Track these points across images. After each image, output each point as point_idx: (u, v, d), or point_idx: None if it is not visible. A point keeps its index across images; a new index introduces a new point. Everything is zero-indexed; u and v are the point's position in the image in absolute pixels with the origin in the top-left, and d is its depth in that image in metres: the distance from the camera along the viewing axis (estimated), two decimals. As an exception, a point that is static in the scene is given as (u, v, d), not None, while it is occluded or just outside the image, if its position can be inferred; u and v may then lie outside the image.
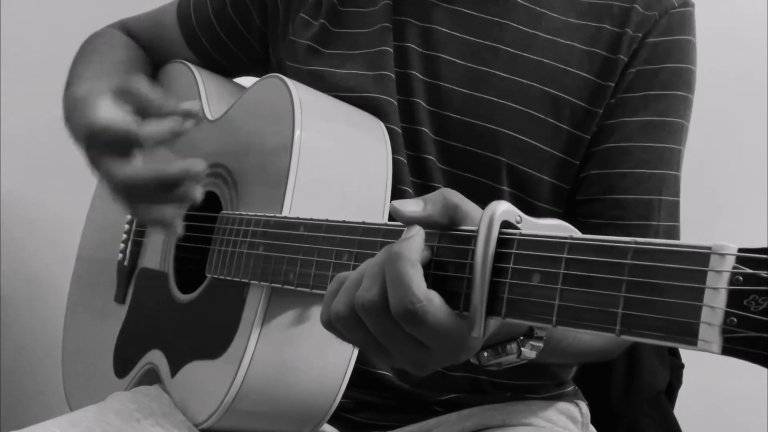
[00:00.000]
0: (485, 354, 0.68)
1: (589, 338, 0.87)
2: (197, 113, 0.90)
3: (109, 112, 0.90)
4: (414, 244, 0.62)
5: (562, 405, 1.06)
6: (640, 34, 0.95)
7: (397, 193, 0.94)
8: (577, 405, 1.08)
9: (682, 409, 1.21)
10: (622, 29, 0.96)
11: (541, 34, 0.97)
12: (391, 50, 1.00)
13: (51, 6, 1.67)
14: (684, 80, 0.98)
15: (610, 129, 0.96)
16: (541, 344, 0.69)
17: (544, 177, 0.96)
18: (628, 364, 1.17)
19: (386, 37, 1.00)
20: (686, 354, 1.23)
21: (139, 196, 0.91)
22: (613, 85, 0.95)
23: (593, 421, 1.09)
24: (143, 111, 0.91)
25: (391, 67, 0.99)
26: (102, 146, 0.92)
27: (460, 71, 0.97)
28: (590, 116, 0.96)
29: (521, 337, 0.68)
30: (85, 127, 0.93)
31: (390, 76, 0.99)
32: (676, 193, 0.99)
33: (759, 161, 1.69)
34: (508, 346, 0.68)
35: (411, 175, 0.97)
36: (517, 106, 0.95)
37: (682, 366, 1.23)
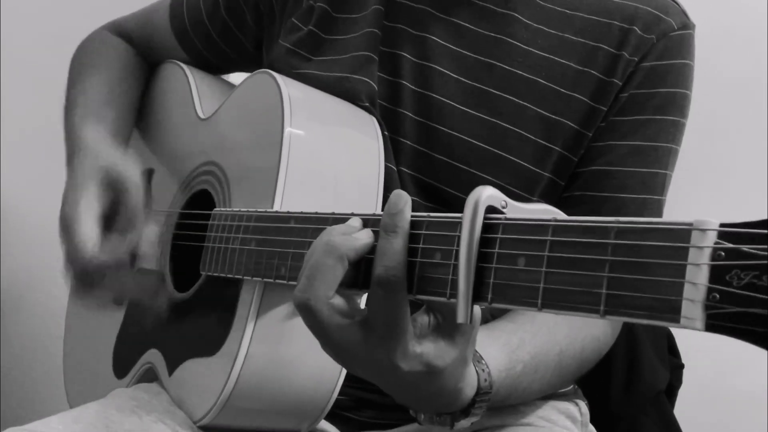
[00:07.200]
0: (422, 416, 0.74)
1: (539, 387, 0.89)
2: (152, 253, 1.00)
3: (85, 221, 0.97)
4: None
5: (562, 404, 1.05)
6: (636, 58, 0.94)
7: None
8: (577, 404, 1.07)
9: (682, 409, 1.20)
10: (618, 51, 0.94)
11: (536, 51, 0.95)
12: (376, 57, 0.99)
13: (51, 6, 1.68)
14: (677, 105, 0.97)
15: (598, 151, 0.95)
16: (476, 418, 0.74)
17: (532, 197, 0.95)
18: (628, 364, 1.16)
19: (373, 43, 0.99)
20: (686, 353, 1.23)
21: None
22: (605, 109, 0.94)
23: (593, 421, 1.08)
24: (119, 208, 0.99)
25: (374, 73, 0.98)
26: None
27: (453, 85, 0.96)
28: (581, 138, 0.95)
29: (458, 411, 0.73)
30: (63, 205, 0.99)
31: (370, 83, 0.97)
32: (658, 216, 0.99)
33: (759, 161, 1.69)
34: (442, 418, 0.73)
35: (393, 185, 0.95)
36: (509, 126, 0.94)
37: (682, 366, 1.22)
